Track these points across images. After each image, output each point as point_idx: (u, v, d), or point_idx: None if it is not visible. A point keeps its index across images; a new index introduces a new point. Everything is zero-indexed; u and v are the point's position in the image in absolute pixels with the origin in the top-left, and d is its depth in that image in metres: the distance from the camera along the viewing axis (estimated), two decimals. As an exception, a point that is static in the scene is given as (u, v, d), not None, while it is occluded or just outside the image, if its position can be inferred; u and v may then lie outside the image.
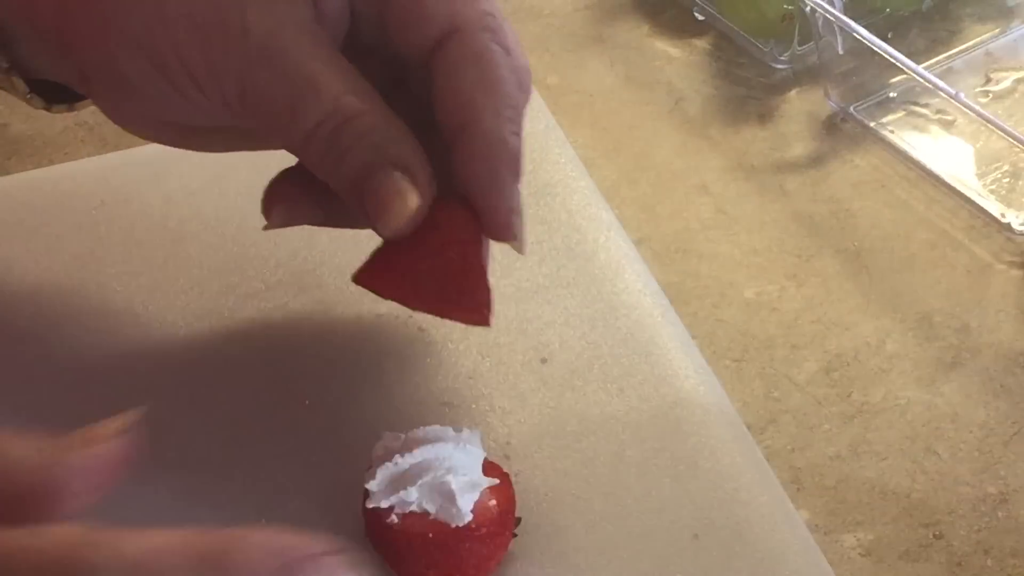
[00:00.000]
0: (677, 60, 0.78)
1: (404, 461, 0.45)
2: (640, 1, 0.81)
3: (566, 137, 0.65)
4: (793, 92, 0.75)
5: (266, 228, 0.50)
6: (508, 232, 0.46)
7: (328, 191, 0.46)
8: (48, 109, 0.51)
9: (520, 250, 0.47)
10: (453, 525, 0.45)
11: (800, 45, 0.76)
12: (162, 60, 0.45)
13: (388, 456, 0.45)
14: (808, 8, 0.71)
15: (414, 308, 0.45)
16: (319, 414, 0.53)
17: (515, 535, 0.48)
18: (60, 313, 0.57)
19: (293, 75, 0.44)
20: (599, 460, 0.51)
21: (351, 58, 0.46)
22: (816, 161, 0.71)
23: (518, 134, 0.46)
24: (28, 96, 0.50)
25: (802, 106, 0.74)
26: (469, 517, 0.45)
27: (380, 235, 0.45)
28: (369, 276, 0.46)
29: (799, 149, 0.72)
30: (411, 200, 0.44)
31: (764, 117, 0.74)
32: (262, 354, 0.55)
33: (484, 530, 0.45)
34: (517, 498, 0.48)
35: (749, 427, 0.55)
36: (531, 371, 0.54)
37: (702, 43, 0.79)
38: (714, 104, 0.75)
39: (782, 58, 0.76)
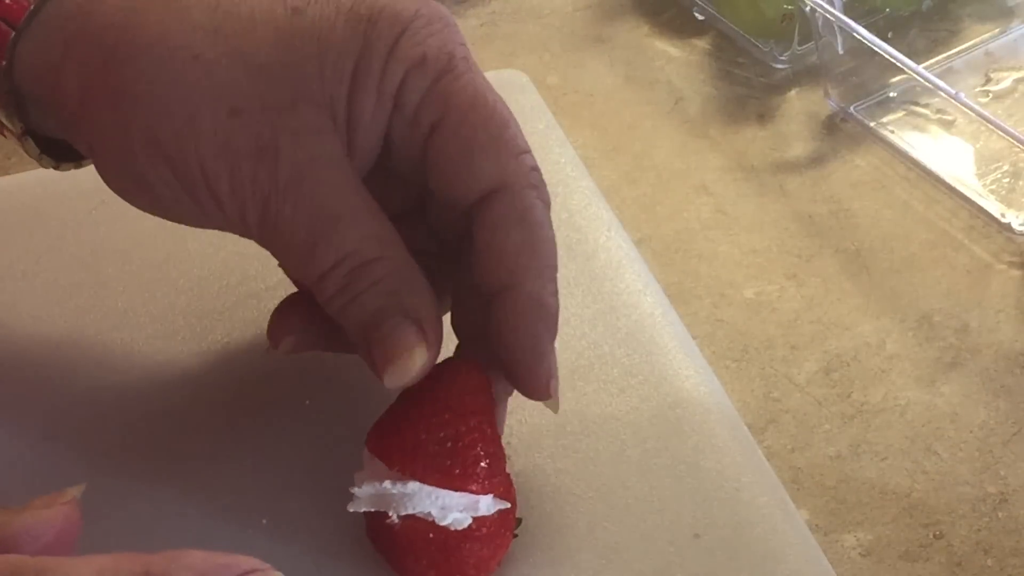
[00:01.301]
0: (677, 60, 0.78)
1: (395, 488, 0.45)
2: (640, 1, 0.81)
3: (566, 137, 0.65)
4: (793, 92, 0.75)
5: (269, 351, 0.49)
6: (545, 394, 0.46)
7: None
8: (57, 167, 0.51)
9: (555, 409, 0.47)
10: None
11: (800, 45, 0.76)
12: (185, 172, 0.44)
13: (379, 474, 0.45)
14: (808, 8, 0.71)
15: (425, 482, 0.45)
16: (320, 414, 0.53)
17: (515, 535, 0.47)
18: (60, 313, 0.57)
19: (317, 211, 0.44)
20: (600, 460, 0.51)
21: (376, 180, 0.46)
22: (816, 161, 0.71)
23: (556, 294, 0.46)
24: (40, 157, 0.50)
25: (802, 106, 0.74)
26: (468, 520, 0.45)
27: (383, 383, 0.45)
28: (378, 443, 0.46)
29: (799, 149, 0.72)
30: (418, 356, 0.44)
31: (764, 117, 0.74)
32: (262, 354, 0.55)
33: (484, 530, 0.45)
34: (517, 498, 0.48)
35: (749, 427, 0.55)
36: (531, 371, 0.54)
37: (702, 43, 0.79)
38: (714, 104, 0.75)
39: (782, 58, 0.76)
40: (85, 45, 0.45)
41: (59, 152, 0.50)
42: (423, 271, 0.46)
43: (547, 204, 0.46)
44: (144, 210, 0.48)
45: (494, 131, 0.45)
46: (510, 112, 0.46)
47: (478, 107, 0.45)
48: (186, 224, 0.47)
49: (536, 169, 0.46)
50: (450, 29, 0.46)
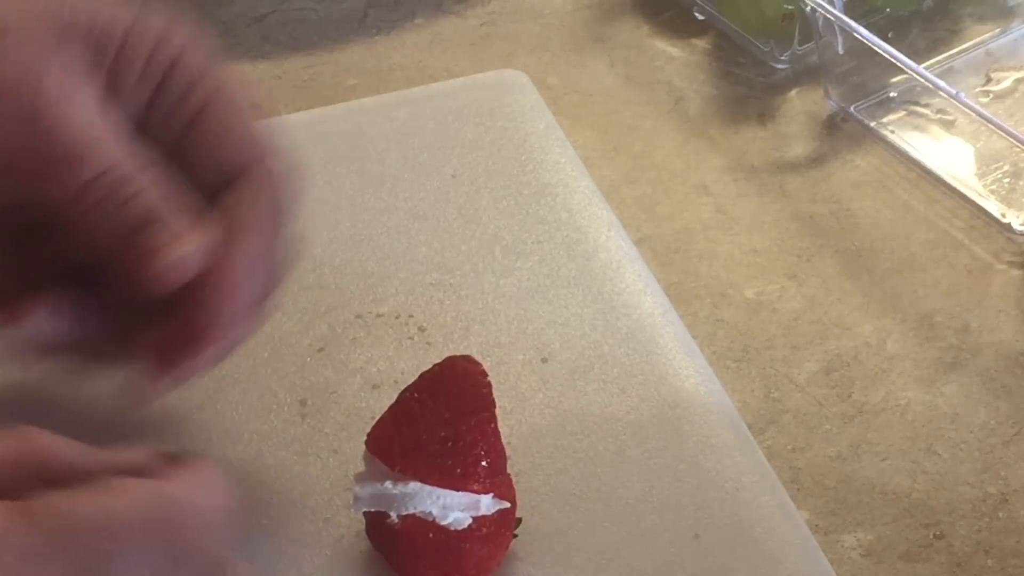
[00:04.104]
0: (677, 60, 0.78)
1: (395, 488, 0.45)
2: (640, 1, 0.81)
3: (566, 137, 0.65)
4: (793, 92, 0.75)
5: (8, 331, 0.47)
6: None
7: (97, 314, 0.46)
8: None
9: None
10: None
11: (800, 45, 0.76)
12: None
13: (379, 474, 0.45)
14: (808, 8, 0.71)
15: (426, 481, 0.45)
16: (319, 413, 0.53)
17: (516, 535, 0.47)
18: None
19: (82, 127, 0.45)
20: (600, 460, 0.51)
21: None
22: (816, 161, 0.71)
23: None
24: None
25: (802, 106, 0.74)
26: (469, 520, 0.45)
27: (155, 291, 0.45)
28: (379, 443, 0.46)
29: (799, 149, 0.72)
30: (188, 242, 0.45)
31: (764, 117, 0.74)
32: (262, 354, 0.55)
33: (484, 530, 0.45)
34: (518, 498, 0.48)
35: (749, 427, 0.55)
36: (531, 371, 0.54)
37: (702, 43, 0.79)
38: (714, 104, 0.75)
39: (782, 58, 0.76)
40: None
41: None
42: None
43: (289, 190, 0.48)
44: None
45: (245, 120, 0.48)
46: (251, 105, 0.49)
47: (232, 99, 0.48)
48: None
49: (277, 153, 0.48)
50: (206, 34, 0.48)
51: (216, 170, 0.47)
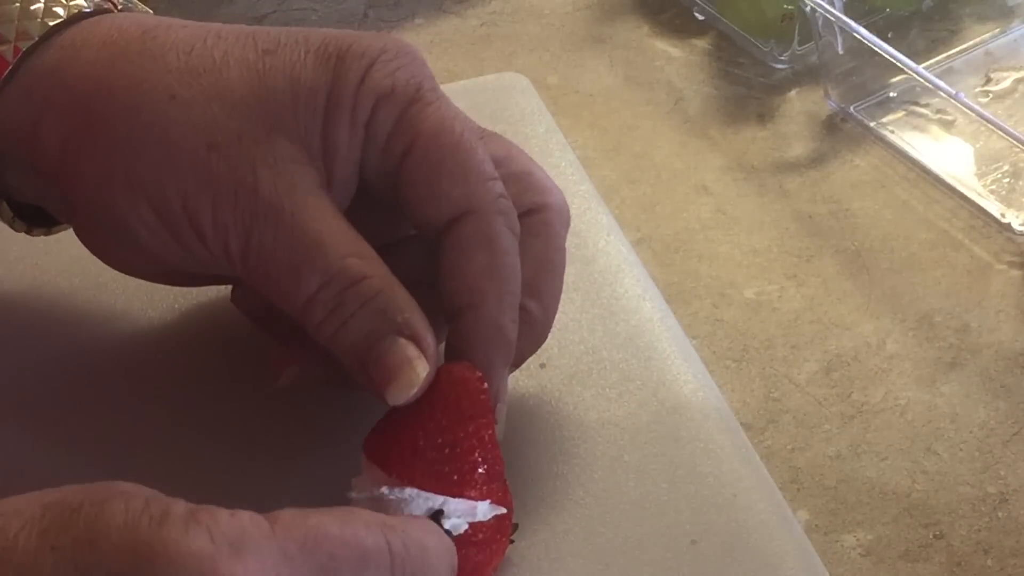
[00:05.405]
0: (677, 60, 0.78)
1: (392, 494, 0.45)
2: (640, 1, 0.81)
3: (566, 140, 0.65)
4: (793, 92, 0.75)
5: (277, 386, 0.49)
6: None
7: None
8: (29, 232, 0.52)
9: (498, 434, 0.47)
10: (450, 532, 0.45)
11: (800, 45, 0.76)
12: (167, 210, 0.44)
13: (376, 480, 0.45)
14: (808, 8, 0.71)
15: (423, 488, 0.45)
16: (319, 415, 0.53)
17: (512, 541, 0.48)
18: (60, 315, 0.57)
19: (299, 236, 0.44)
20: (597, 465, 0.51)
21: (362, 212, 0.46)
22: (816, 161, 0.71)
23: (515, 321, 0.46)
24: (12, 221, 0.51)
25: (802, 106, 0.74)
26: (465, 527, 0.45)
27: (386, 402, 0.45)
28: (376, 450, 0.46)
29: (799, 149, 0.72)
30: (419, 369, 0.44)
31: (764, 117, 0.74)
32: (263, 355, 0.55)
33: (481, 536, 0.45)
34: (515, 503, 0.48)
35: (749, 427, 0.55)
36: (530, 376, 0.54)
37: (702, 43, 0.79)
38: (714, 104, 0.75)
39: (782, 58, 0.76)
40: (64, 98, 0.46)
41: (31, 217, 0.51)
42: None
43: (515, 232, 0.46)
44: (123, 268, 0.50)
45: (461, 157, 0.46)
46: (479, 139, 0.47)
47: (445, 134, 0.46)
48: (168, 266, 0.47)
49: (504, 196, 0.46)
50: (417, 62, 0.47)
51: (430, 219, 0.46)
